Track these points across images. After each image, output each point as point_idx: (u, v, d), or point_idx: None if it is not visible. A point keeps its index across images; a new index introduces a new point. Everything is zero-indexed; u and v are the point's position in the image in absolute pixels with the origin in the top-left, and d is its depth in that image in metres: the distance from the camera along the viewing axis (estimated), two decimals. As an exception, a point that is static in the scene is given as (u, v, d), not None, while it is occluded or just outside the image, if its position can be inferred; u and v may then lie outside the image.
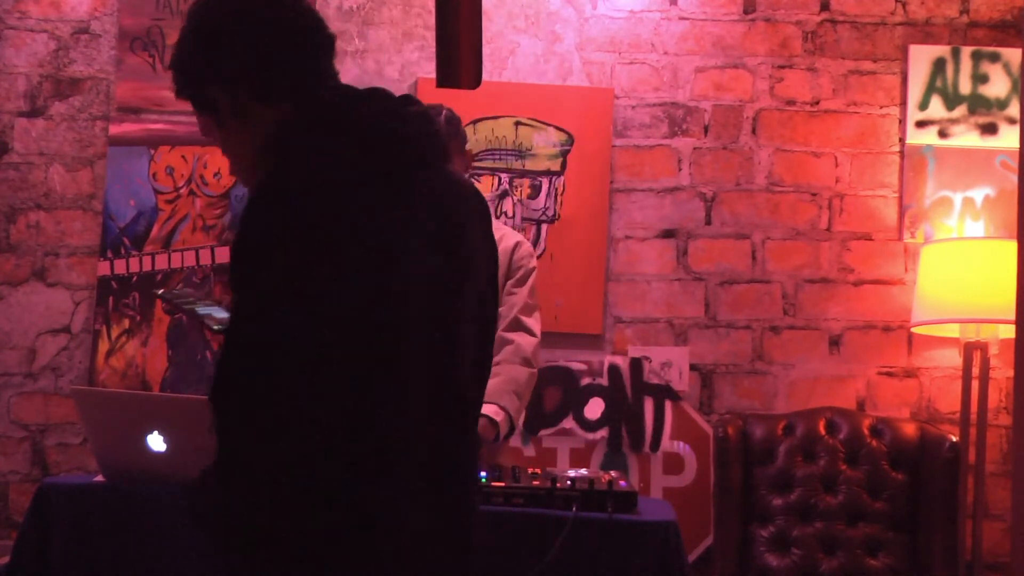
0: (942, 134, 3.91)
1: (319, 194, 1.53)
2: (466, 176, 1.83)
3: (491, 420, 2.68)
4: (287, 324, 1.49)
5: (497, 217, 3.87)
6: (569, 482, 2.31)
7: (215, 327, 2.03)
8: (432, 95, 3.79)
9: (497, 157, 3.89)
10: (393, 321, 1.55)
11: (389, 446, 1.55)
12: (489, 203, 3.83)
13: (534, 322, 2.92)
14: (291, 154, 1.57)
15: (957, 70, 3.92)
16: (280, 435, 1.48)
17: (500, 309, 2.88)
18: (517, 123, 3.92)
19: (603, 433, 3.84)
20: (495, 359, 2.83)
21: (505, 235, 2.95)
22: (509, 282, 2.91)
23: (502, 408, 2.71)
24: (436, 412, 1.62)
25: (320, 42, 1.70)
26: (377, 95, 1.67)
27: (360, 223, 1.54)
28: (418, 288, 1.59)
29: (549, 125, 3.92)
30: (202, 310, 2.07)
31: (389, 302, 1.55)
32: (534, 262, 2.97)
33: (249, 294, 1.52)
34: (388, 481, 1.55)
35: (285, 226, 1.51)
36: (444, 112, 2.82)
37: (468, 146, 3.04)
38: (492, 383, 2.75)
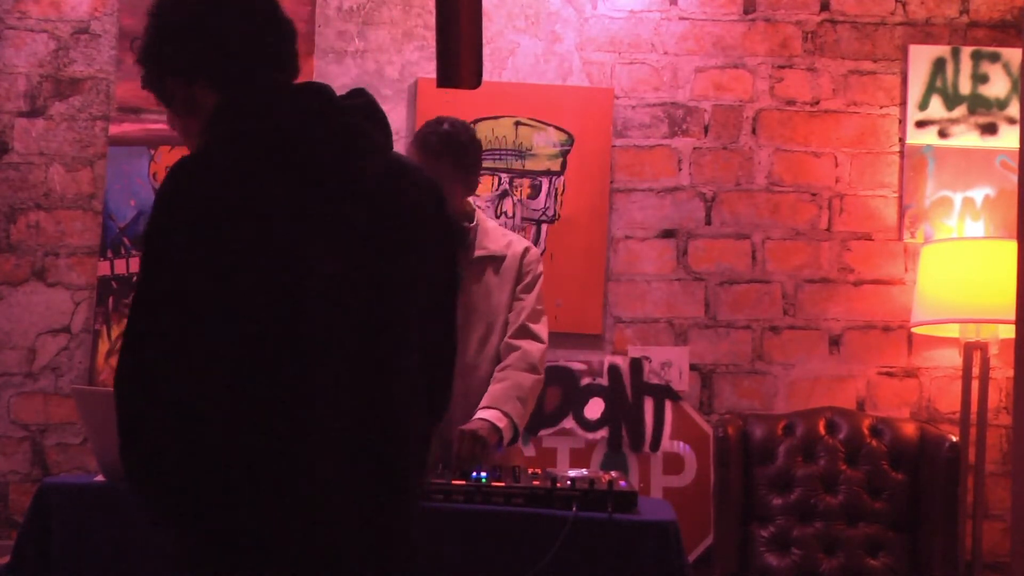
0: (942, 134, 3.91)
1: (229, 176, 1.56)
2: (430, 179, 1.81)
3: (494, 426, 2.67)
4: (178, 308, 1.52)
5: (497, 217, 3.87)
6: (569, 482, 2.31)
7: None
8: (432, 95, 3.80)
9: (497, 157, 3.89)
10: (296, 318, 1.55)
11: (296, 464, 1.55)
12: (489, 203, 3.86)
13: (541, 328, 2.91)
14: (213, 136, 1.62)
15: (957, 70, 3.92)
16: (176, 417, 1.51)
17: (508, 315, 2.88)
18: (517, 123, 3.92)
19: (603, 433, 3.84)
20: (501, 364, 2.83)
21: (512, 241, 2.95)
22: (518, 288, 2.90)
23: (505, 414, 2.70)
24: (358, 431, 1.61)
25: (276, 31, 1.72)
26: (314, 87, 1.70)
27: (267, 209, 1.56)
28: (334, 285, 1.59)
29: (549, 125, 3.92)
30: None
31: (292, 296, 1.55)
32: (541, 267, 2.97)
33: (149, 268, 1.56)
34: (296, 476, 1.56)
35: (192, 203, 1.54)
36: (461, 135, 2.81)
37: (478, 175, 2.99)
38: (496, 388, 2.76)
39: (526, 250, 2.93)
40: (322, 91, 1.69)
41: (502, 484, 2.30)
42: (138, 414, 1.51)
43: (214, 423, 1.52)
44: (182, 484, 1.52)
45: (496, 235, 2.93)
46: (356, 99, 1.71)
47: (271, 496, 1.54)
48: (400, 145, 3.55)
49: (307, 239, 1.57)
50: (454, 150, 2.79)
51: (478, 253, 2.86)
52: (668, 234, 3.93)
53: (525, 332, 2.86)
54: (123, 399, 1.52)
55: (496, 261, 2.88)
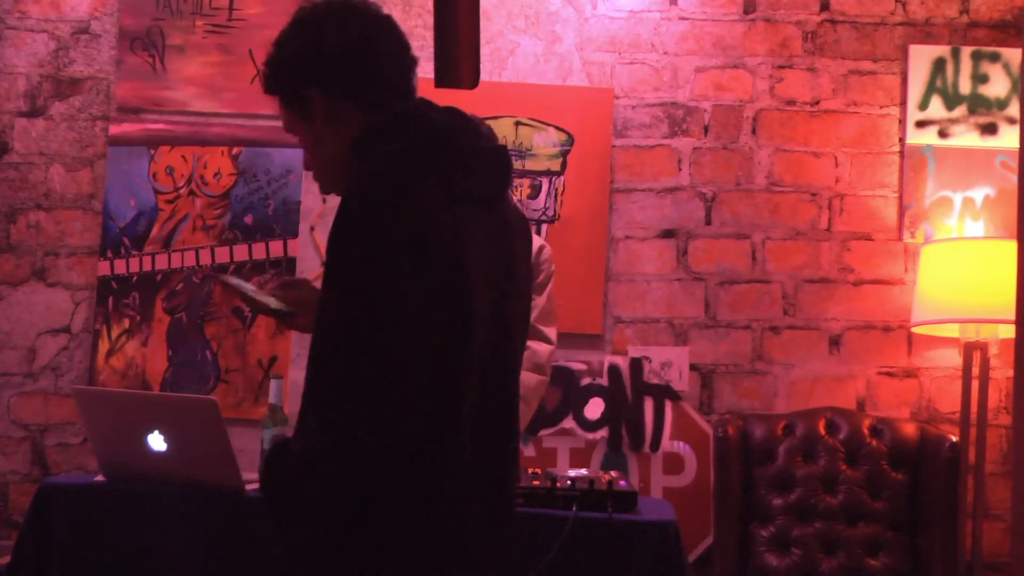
0: (942, 134, 3.91)
1: (415, 198, 1.55)
2: (523, 216, 1.90)
3: None
4: (376, 332, 1.49)
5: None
6: (569, 482, 2.31)
7: (274, 306, 2.06)
8: (431, 95, 3.78)
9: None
10: (466, 338, 1.58)
11: (454, 458, 1.59)
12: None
13: (551, 330, 2.89)
14: (386, 154, 1.61)
15: (957, 70, 3.92)
16: (369, 433, 1.48)
17: None
18: (517, 123, 3.92)
19: (603, 433, 3.84)
20: None
21: None
22: (532, 286, 2.88)
23: None
24: (491, 427, 1.68)
25: (411, 61, 1.79)
26: (457, 112, 1.74)
27: (450, 235, 1.56)
28: (484, 309, 1.62)
29: (549, 125, 3.92)
30: (260, 297, 2.10)
31: (465, 318, 1.57)
32: (554, 267, 2.95)
33: (343, 298, 1.52)
34: (454, 487, 1.59)
35: (382, 225, 1.51)
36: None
37: None
38: None
39: (540, 248, 2.90)
40: (466, 115, 1.75)
41: (502, 484, 2.30)
42: (343, 426, 1.48)
43: (394, 440, 1.51)
44: (341, 493, 1.50)
45: None
46: (483, 126, 1.77)
47: (415, 518, 1.56)
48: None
49: (473, 264, 1.59)
50: None
51: None
52: (668, 234, 3.93)
53: (534, 332, 2.83)
54: (353, 413, 1.48)
55: None
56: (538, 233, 3.88)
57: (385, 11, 1.79)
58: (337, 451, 1.47)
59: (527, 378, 2.78)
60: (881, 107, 3.95)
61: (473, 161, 1.66)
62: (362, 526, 1.54)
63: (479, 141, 1.71)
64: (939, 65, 3.92)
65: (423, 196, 1.56)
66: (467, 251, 1.57)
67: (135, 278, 3.93)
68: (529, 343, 2.82)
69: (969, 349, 3.63)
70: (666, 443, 3.83)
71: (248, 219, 3.95)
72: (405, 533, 1.55)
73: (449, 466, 1.58)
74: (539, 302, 2.86)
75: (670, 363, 3.87)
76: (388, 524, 1.54)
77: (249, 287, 2.13)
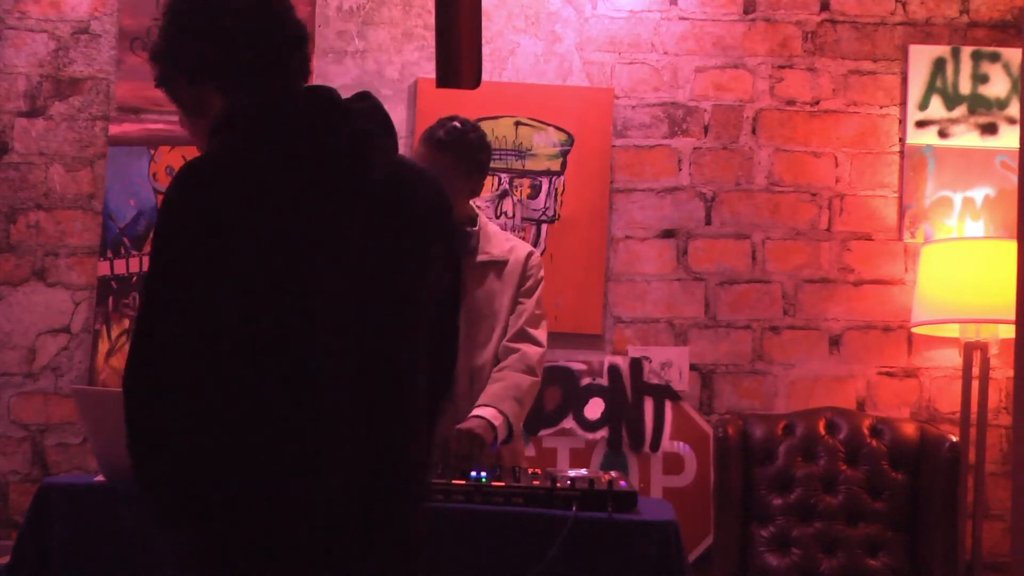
0: (942, 134, 3.91)
1: (236, 179, 1.58)
2: (436, 185, 1.83)
3: (490, 424, 2.67)
4: (187, 310, 1.53)
5: (497, 217, 3.87)
6: (569, 482, 2.31)
7: None
8: (432, 95, 3.80)
9: (497, 157, 3.89)
10: (303, 321, 1.57)
11: (303, 454, 1.57)
12: (489, 203, 3.86)
13: (540, 333, 2.92)
14: (220, 140, 1.65)
15: (957, 70, 3.92)
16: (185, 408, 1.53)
17: (510, 318, 2.89)
18: (517, 123, 3.92)
19: (603, 433, 3.84)
20: (499, 365, 2.84)
21: (516, 245, 2.96)
22: (519, 292, 2.91)
23: (501, 412, 2.71)
24: (366, 424, 1.62)
25: (284, 41, 1.73)
26: (320, 91, 1.71)
27: (274, 212, 1.57)
28: (340, 289, 1.60)
29: (549, 125, 3.92)
30: None
31: (299, 300, 1.57)
32: (543, 273, 2.99)
33: (157, 271, 1.56)
34: (300, 474, 1.57)
35: (200, 205, 1.56)
36: (470, 133, 2.82)
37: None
38: (494, 388, 2.77)
39: (529, 255, 2.95)
40: (328, 95, 1.70)
41: (502, 484, 2.30)
42: (147, 413, 1.52)
43: (222, 424, 1.53)
44: (189, 483, 1.54)
45: (499, 239, 2.94)
46: (362, 103, 1.72)
47: (275, 497, 1.55)
48: (400, 146, 3.55)
49: (314, 243, 1.59)
50: (458, 147, 2.79)
51: (481, 258, 2.87)
52: (668, 234, 3.93)
53: (524, 336, 2.87)
54: (132, 399, 1.53)
55: (499, 266, 2.89)
56: (538, 233, 3.88)
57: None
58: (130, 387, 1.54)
59: (519, 379, 2.80)
60: (881, 107, 3.95)
61: (314, 145, 1.64)
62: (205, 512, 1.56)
63: (332, 124, 1.66)
64: (939, 65, 3.92)
65: (234, 183, 1.57)
66: (290, 237, 1.57)
67: (135, 278, 3.93)
68: (520, 346, 2.84)
69: (969, 349, 3.63)
70: (666, 443, 3.83)
71: (248, 219, 3.95)
72: (250, 527, 1.56)
73: (302, 471, 1.56)
74: (528, 306, 2.89)
75: (670, 363, 3.87)
76: (232, 514, 1.55)
77: None
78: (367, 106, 1.72)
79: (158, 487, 1.55)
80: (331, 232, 1.61)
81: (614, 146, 3.94)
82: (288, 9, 1.75)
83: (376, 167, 1.69)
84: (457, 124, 2.83)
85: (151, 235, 1.61)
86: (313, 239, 1.59)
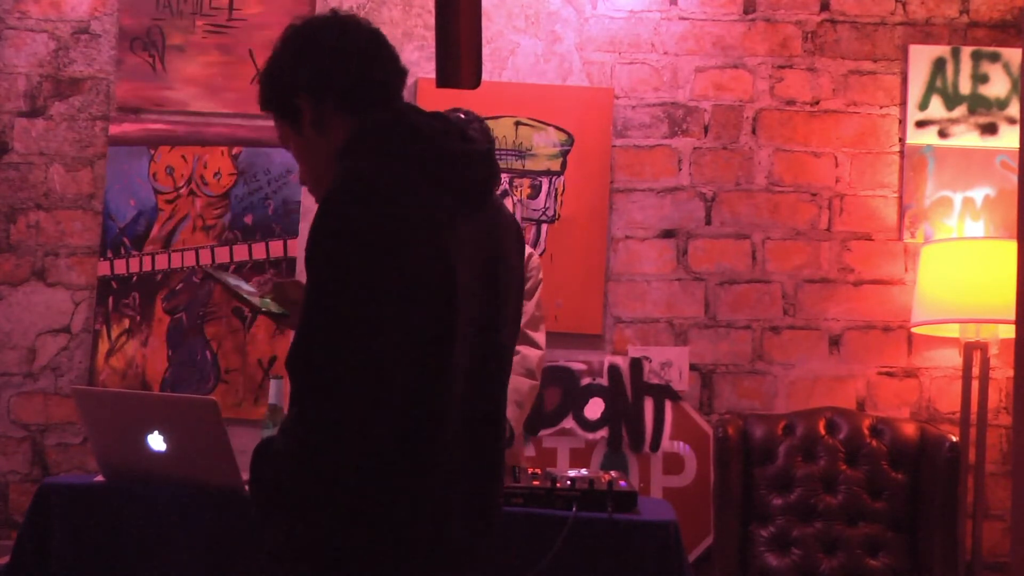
0: (942, 134, 3.91)
1: (394, 199, 1.58)
2: (514, 218, 1.94)
3: None
4: (356, 326, 1.52)
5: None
6: (569, 482, 2.31)
7: (275, 310, 2.10)
8: (432, 95, 3.80)
9: (497, 157, 3.88)
10: (449, 335, 1.60)
11: (436, 454, 1.61)
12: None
13: (539, 335, 2.93)
14: (370, 156, 1.65)
15: (957, 70, 3.92)
16: (344, 427, 1.52)
17: None
18: (517, 123, 3.92)
19: (603, 433, 3.84)
20: None
21: None
22: None
23: None
24: (477, 427, 1.69)
25: (398, 70, 1.81)
26: (441, 116, 1.77)
27: (431, 235, 1.59)
28: (469, 307, 1.64)
29: (549, 125, 3.92)
30: (243, 290, 2.13)
31: (448, 316, 1.60)
32: (542, 274, 3.00)
33: (323, 289, 1.55)
34: (438, 487, 1.61)
35: (360, 225, 1.55)
36: (473, 124, 2.84)
37: None
38: None
39: (529, 256, 2.95)
40: (448, 116, 1.77)
41: (502, 484, 2.30)
42: (318, 424, 1.52)
43: (372, 435, 1.54)
44: (319, 488, 1.54)
45: None
46: (474, 123, 1.81)
47: (398, 517, 1.58)
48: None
49: (457, 263, 1.62)
50: None
51: None
52: (668, 234, 3.93)
53: (524, 338, 2.87)
54: (306, 413, 1.52)
55: None
56: (538, 233, 3.88)
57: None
58: (313, 446, 1.50)
59: (519, 383, 2.81)
60: (881, 107, 3.95)
61: (456, 164, 1.68)
62: (344, 523, 1.56)
63: (464, 144, 1.72)
64: (939, 65, 3.92)
65: (400, 199, 1.58)
66: (448, 252, 1.59)
67: (135, 278, 3.93)
68: (520, 348, 2.85)
69: (969, 349, 3.63)
70: (666, 443, 3.83)
71: (248, 219, 3.95)
72: (387, 532, 1.57)
73: (433, 465, 1.59)
74: (528, 308, 2.90)
75: (670, 363, 3.87)
76: (370, 522, 1.56)
77: (231, 278, 2.14)
78: (481, 127, 1.81)
79: (296, 487, 1.54)
80: (467, 256, 1.65)
81: (614, 146, 3.94)
82: (393, 49, 1.82)
83: (496, 191, 1.79)
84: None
85: (313, 249, 1.56)
86: (457, 261, 1.61)
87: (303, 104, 1.74)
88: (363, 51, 1.76)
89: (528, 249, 2.99)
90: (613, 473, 2.43)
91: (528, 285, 2.92)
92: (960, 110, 3.91)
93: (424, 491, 1.59)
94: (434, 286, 1.57)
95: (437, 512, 1.61)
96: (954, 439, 3.46)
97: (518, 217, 3.89)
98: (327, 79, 1.74)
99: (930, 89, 3.91)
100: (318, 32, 1.78)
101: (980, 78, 3.91)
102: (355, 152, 1.66)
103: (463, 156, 1.70)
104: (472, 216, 1.69)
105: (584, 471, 2.44)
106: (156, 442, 2.34)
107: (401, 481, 1.57)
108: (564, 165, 3.91)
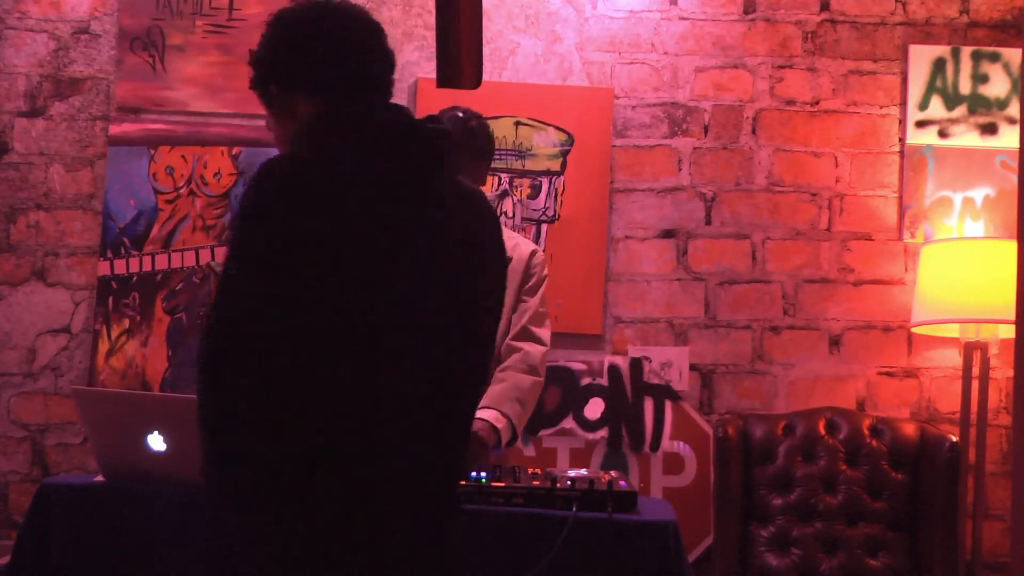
0: (942, 134, 3.91)
1: (323, 175, 1.65)
2: (477, 187, 1.93)
3: (492, 426, 2.66)
4: (270, 293, 1.59)
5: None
6: (569, 482, 2.30)
7: None
8: (432, 95, 3.80)
9: (497, 157, 3.88)
10: (382, 314, 1.64)
11: (370, 433, 1.63)
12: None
13: (543, 331, 2.92)
14: (307, 142, 1.73)
15: (957, 70, 3.92)
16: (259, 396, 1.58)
17: (512, 316, 2.89)
18: (517, 123, 3.92)
19: (603, 433, 3.84)
20: (502, 365, 2.83)
21: (519, 243, 2.96)
22: (523, 290, 2.91)
23: (504, 415, 2.70)
24: (423, 411, 1.69)
25: (376, 58, 1.88)
26: (400, 109, 1.84)
27: (357, 212, 1.64)
28: (422, 285, 1.68)
29: (549, 125, 3.92)
30: None
31: (381, 294, 1.64)
32: (546, 271, 2.99)
33: (241, 255, 1.62)
34: (372, 456, 1.63)
35: (284, 195, 1.62)
36: (471, 121, 2.84)
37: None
38: (496, 389, 2.76)
39: (532, 252, 2.95)
40: (407, 113, 1.82)
41: (502, 484, 2.30)
42: (221, 395, 1.57)
43: (291, 413, 1.58)
44: (254, 466, 1.58)
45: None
46: (434, 124, 1.85)
47: (338, 490, 1.60)
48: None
49: (385, 246, 1.66)
50: (459, 134, 2.81)
51: None
52: (668, 234, 3.93)
53: (527, 334, 2.87)
54: (208, 375, 1.58)
55: None
56: (538, 233, 3.88)
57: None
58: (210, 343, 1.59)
59: (520, 379, 2.80)
60: (881, 107, 3.95)
61: (384, 138, 1.73)
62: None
63: (399, 125, 1.77)
64: (939, 65, 3.92)
65: (302, 190, 1.63)
66: (365, 235, 1.64)
67: (135, 278, 3.93)
68: (522, 345, 2.84)
69: (969, 349, 3.63)
70: (666, 443, 3.83)
71: (248, 219, 3.95)
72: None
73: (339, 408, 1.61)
74: (532, 304, 2.89)
75: (670, 363, 3.87)
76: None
77: None
78: (439, 129, 1.84)
79: (224, 465, 1.58)
80: (402, 237, 1.68)
81: (614, 146, 3.94)
82: (381, 33, 1.94)
83: (446, 182, 1.80)
84: (459, 113, 2.86)
85: (235, 220, 1.68)
86: (384, 242, 1.66)
87: (276, 92, 1.83)
88: (337, 43, 1.82)
89: (531, 245, 2.99)
90: (613, 473, 2.43)
91: (532, 282, 2.92)
92: (960, 110, 3.91)
93: (360, 487, 1.62)
94: (342, 265, 1.61)
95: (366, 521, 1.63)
96: (954, 439, 3.46)
97: (518, 218, 3.89)
98: (289, 63, 1.81)
99: (930, 89, 3.91)
100: (291, 18, 1.85)
101: (980, 78, 3.91)
102: (300, 139, 1.74)
103: (401, 154, 1.74)
104: (411, 215, 1.71)
105: (584, 471, 2.44)
106: (156, 442, 2.34)
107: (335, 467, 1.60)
108: (564, 165, 3.91)
